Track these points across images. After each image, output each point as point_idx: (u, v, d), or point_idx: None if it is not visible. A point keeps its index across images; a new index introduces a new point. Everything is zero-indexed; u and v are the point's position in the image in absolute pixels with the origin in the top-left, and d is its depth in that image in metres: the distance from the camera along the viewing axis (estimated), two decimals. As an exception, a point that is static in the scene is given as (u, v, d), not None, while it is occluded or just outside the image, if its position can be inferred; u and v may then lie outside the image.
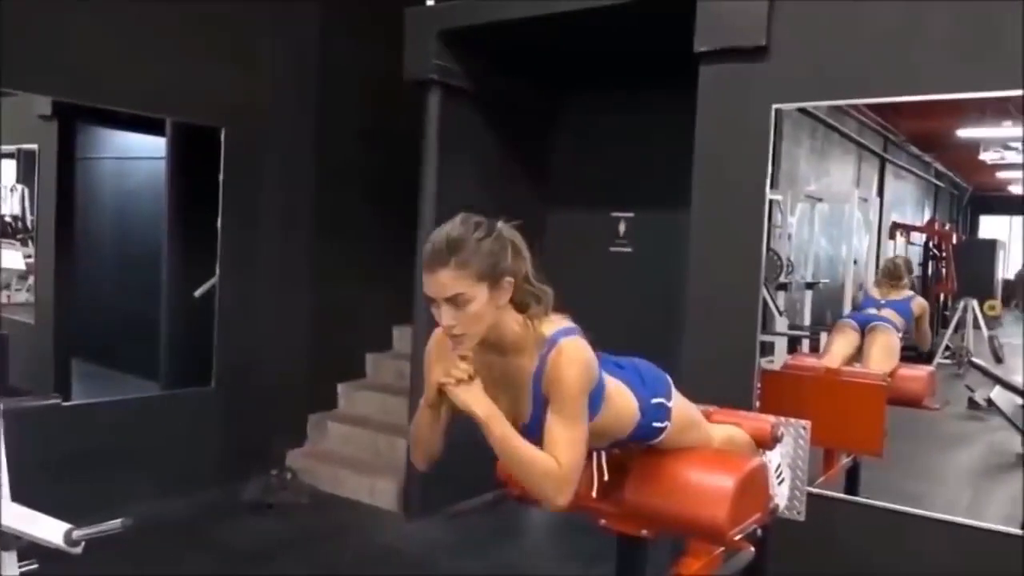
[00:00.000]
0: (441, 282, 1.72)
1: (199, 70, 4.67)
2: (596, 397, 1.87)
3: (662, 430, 2.13)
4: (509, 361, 1.86)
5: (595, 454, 2.16)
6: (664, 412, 2.11)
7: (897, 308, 4.09)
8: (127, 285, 6.00)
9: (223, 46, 4.81)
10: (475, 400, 1.76)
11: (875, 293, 4.17)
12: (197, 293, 4.98)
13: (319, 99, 5.37)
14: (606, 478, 2.18)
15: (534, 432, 1.81)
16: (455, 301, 1.73)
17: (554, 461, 1.74)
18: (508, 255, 1.79)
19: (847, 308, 4.36)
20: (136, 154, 5.80)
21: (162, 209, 5.29)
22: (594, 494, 2.15)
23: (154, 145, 5.21)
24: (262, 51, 5.05)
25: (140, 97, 4.48)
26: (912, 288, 4.18)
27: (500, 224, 1.84)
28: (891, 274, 4.16)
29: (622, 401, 2.01)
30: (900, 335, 4.07)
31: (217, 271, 4.93)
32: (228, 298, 4.97)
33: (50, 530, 2.08)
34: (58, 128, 4.21)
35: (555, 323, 1.85)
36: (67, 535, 2.05)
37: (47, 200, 4.18)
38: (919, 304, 4.16)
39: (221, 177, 4.88)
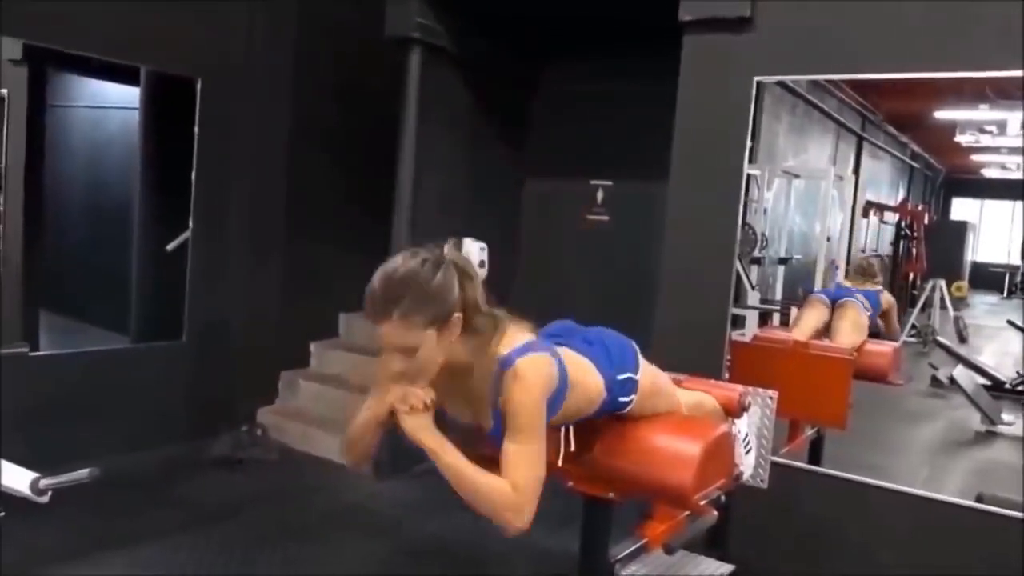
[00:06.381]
0: (386, 335, 1.68)
1: (175, 19, 4.56)
2: (559, 396, 1.84)
3: (628, 403, 2.14)
4: (466, 380, 1.81)
5: (562, 428, 2.16)
6: (631, 386, 2.11)
7: (867, 296, 4.15)
8: (98, 237, 5.92)
9: (200, -4, 4.72)
10: (424, 430, 1.73)
11: (847, 284, 4.25)
12: (170, 247, 4.92)
13: (297, 54, 5.28)
14: (572, 448, 2.18)
15: (498, 440, 1.77)
16: (403, 350, 1.69)
17: (509, 486, 1.70)
18: (455, 289, 1.72)
19: (819, 284, 4.42)
20: (110, 103, 5.69)
21: (135, 160, 5.21)
22: (560, 463, 2.15)
23: (128, 95, 5.11)
24: (239, 2, 4.95)
25: (114, 44, 4.38)
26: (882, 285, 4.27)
27: (447, 248, 1.78)
28: (863, 272, 4.25)
29: (588, 383, 2.00)
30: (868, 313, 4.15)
31: (190, 225, 4.87)
32: (201, 253, 4.91)
33: (17, 478, 2.05)
34: (29, 73, 4.10)
35: (512, 338, 1.80)
36: (34, 484, 2.03)
37: (16, 148, 4.08)
38: (887, 299, 4.22)
39: (196, 130, 4.80)
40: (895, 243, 4.83)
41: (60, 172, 5.50)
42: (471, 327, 1.76)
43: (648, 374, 2.20)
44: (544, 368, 1.78)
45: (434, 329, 1.69)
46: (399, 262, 1.71)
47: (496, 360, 1.76)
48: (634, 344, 2.22)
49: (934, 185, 5.12)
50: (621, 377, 2.09)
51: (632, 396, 2.13)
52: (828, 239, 4.56)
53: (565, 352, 1.99)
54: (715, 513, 2.20)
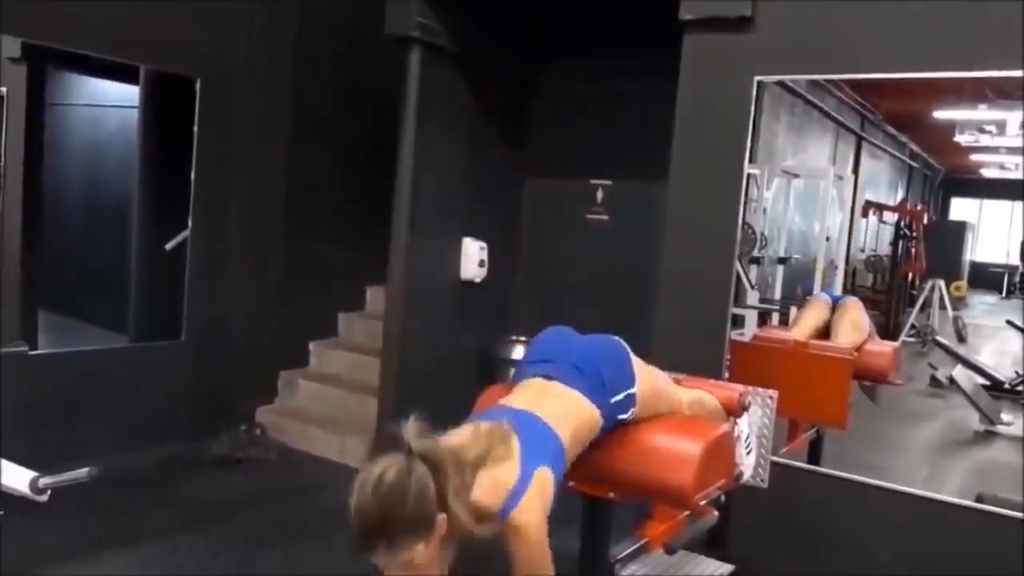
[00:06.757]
0: (377, 563, 1.68)
1: (175, 18, 4.56)
2: (557, 470, 1.89)
3: (628, 417, 2.14)
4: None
5: None
6: (629, 401, 2.12)
7: None
8: (97, 236, 5.92)
9: (200, -6, 4.72)
10: None
11: None
12: (168, 246, 4.92)
13: (296, 53, 5.28)
14: None
15: None
16: (399, 568, 1.68)
17: None
18: (431, 489, 1.67)
19: (818, 284, 4.41)
20: (109, 102, 5.68)
21: (134, 159, 5.20)
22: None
23: (127, 94, 5.11)
24: (239, 2, 4.95)
25: (113, 42, 4.38)
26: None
27: (411, 436, 1.70)
28: None
29: (583, 426, 2.02)
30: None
31: (189, 224, 4.86)
32: (200, 252, 4.91)
33: (16, 477, 2.05)
34: (27, 72, 4.10)
35: (500, 482, 1.80)
36: (33, 483, 2.03)
37: (15, 146, 4.08)
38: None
39: (196, 129, 4.80)
40: (894, 243, 4.82)
41: (59, 171, 5.49)
42: (455, 519, 1.72)
43: (646, 380, 2.19)
44: (537, 503, 1.81)
45: (422, 539, 1.67)
46: (371, 485, 1.65)
47: (493, 515, 1.78)
48: (626, 348, 2.20)
49: (933, 185, 5.12)
50: (617, 399, 2.09)
51: (631, 410, 2.13)
52: (827, 239, 4.56)
53: (555, 391, 2.02)
54: (715, 513, 2.20)
